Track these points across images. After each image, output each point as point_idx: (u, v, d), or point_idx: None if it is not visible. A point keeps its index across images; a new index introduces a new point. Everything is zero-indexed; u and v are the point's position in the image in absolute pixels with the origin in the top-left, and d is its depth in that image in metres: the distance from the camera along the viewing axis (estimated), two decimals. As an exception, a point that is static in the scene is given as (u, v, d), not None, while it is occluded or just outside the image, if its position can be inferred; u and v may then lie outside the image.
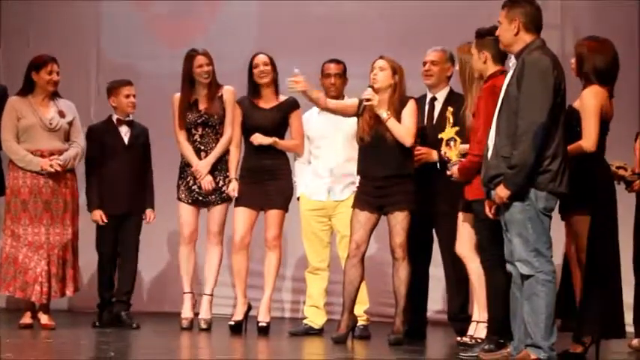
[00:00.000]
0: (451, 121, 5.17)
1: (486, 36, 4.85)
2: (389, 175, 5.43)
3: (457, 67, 5.30)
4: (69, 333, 5.91)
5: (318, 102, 5.62)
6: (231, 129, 6.08)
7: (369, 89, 5.46)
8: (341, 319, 5.51)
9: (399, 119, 5.44)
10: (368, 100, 5.43)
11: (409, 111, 5.46)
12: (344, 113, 5.65)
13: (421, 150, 5.61)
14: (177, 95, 6.12)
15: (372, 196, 5.47)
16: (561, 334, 4.67)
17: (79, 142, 6.07)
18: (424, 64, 5.76)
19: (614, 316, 4.92)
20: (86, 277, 6.96)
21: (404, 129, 5.43)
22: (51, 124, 5.96)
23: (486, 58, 4.93)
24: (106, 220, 6.13)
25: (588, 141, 4.85)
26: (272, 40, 6.96)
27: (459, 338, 5.45)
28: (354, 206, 5.53)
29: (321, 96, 5.63)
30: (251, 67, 5.99)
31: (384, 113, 5.42)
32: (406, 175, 5.47)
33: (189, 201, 6.11)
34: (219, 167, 6.08)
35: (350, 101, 5.68)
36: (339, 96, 6.01)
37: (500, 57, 4.87)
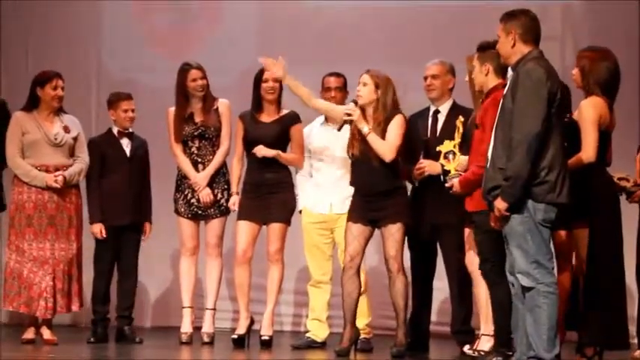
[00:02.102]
0: (461, 130, 5.19)
1: (488, 49, 4.87)
2: (379, 190, 5.42)
3: (466, 79, 5.30)
4: (71, 348, 5.91)
5: (302, 97, 5.60)
6: (228, 141, 6.10)
7: (352, 104, 5.46)
8: (343, 333, 5.50)
9: (384, 134, 5.42)
10: (349, 115, 5.43)
11: (394, 126, 5.42)
12: (329, 115, 5.67)
13: (424, 163, 5.61)
14: (172, 109, 6.14)
15: (365, 209, 5.46)
16: (565, 346, 4.67)
17: (84, 158, 6.09)
18: (425, 78, 5.76)
19: (617, 327, 4.92)
20: (90, 293, 6.97)
21: (386, 144, 5.39)
22: (56, 139, 5.99)
23: (488, 71, 4.96)
24: (105, 235, 6.11)
25: (586, 152, 4.86)
26: (272, 52, 6.95)
27: (467, 347, 5.43)
28: (347, 219, 5.53)
29: (304, 92, 5.59)
30: (259, 80, 5.99)
31: (364, 127, 5.41)
32: (397, 187, 5.46)
33: (189, 215, 6.12)
34: (216, 180, 6.10)
35: (338, 108, 5.64)
36: (340, 109, 6.06)
37: (502, 70, 4.89)
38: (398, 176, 5.49)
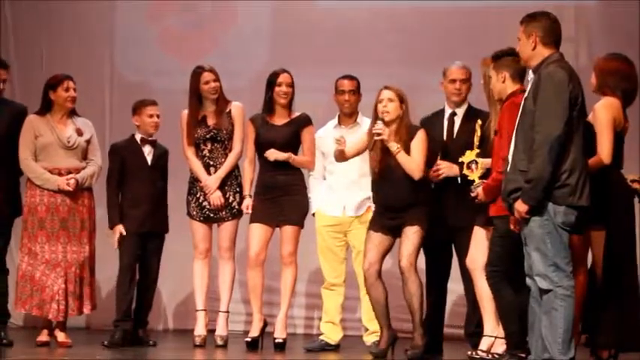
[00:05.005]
0: (479, 133, 5.20)
1: (503, 57, 4.86)
2: (402, 205, 5.43)
3: (482, 81, 5.29)
4: (85, 351, 5.92)
5: (343, 158, 5.64)
6: (240, 144, 6.10)
7: (380, 123, 5.43)
8: (380, 337, 5.51)
9: (407, 149, 5.43)
10: (379, 134, 5.41)
11: (418, 143, 5.45)
12: (361, 153, 5.65)
13: (441, 165, 5.60)
14: (186, 112, 6.14)
15: (386, 220, 5.48)
16: (580, 348, 4.65)
17: (97, 161, 6.10)
18: (453, 81, 5.69)
19: (632, 329, 4.91)
20: (104, 295, 6.98)
21: (413, 163, 5.41)
22: (68, 142, 6.00)
23: (505, 78, 4.96)
24: (125, 233, 6.07)
25: (602, 153, 4.85)
26: (284, 55, 6.98)
27: (474, 354, 5.40)
28: (369, 228, 5.54)
29: (347, 152, 5.62)
30: (273, 83, 5.99)
31: (394, 146, 5.40)
32: (420, 200, 5.45)
33: (201, 218, 6.12)
34: (228, 182, 6.10)
35: (361, 141, 5.64)
36: (353, 112, 6.05)
37: (519, 75, 4.90)
38: (421, 190, 5.47)
